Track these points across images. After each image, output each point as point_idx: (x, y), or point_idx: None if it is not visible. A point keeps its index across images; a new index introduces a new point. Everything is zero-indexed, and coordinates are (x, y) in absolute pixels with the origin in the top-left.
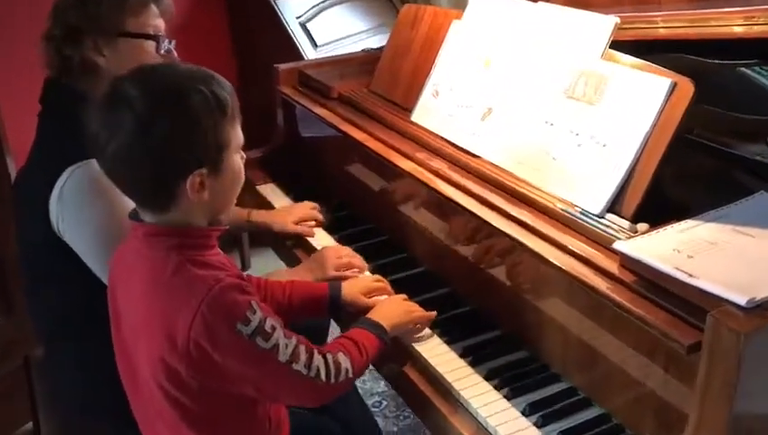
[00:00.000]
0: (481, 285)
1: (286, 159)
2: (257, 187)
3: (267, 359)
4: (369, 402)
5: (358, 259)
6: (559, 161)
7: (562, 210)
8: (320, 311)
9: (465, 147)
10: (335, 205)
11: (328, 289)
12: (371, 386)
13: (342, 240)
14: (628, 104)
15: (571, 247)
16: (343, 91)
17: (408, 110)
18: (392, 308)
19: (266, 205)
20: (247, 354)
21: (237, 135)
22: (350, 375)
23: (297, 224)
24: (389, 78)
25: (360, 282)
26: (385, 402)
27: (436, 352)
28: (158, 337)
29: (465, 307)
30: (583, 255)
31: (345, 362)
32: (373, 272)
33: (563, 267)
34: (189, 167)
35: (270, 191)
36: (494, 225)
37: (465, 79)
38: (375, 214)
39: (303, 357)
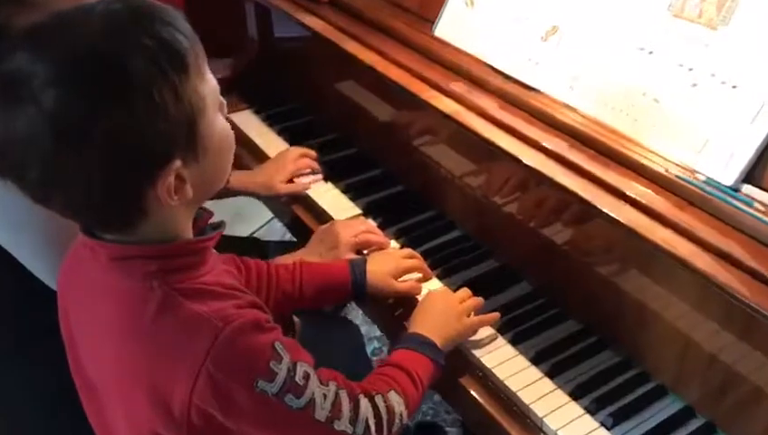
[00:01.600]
0: (558, 274)
1: (264, 77)
2: (231, 114)
3: (300, 421)
4: (369, 350)
5: (377, 235)
6: (664, 106)
7: (679, 178)
8: (339, 299)
9: (520, 78)
10: (334, 141)
11: (349, 272)
12: (368, 330)
13: (350, 192)
14: None
15: (700, 235)
16: None
17: (426, 20)
18: (443, 313)
19: (244, 140)
20: (273, 418)
21: (210, 87)
22: (405, 420)
23: (289, 182)
24: None
25: (389, 259)
26: (385, 349)
27: (499, 358)
28: (141, 402)
29: (534, 299)
30: (720, 246)
31: (399, 404)
32: (397, 238)
33: (698, 266)
34: (154, 167)
35: (245, 121)
36: (584, 197)
37: None
38: (392, 157)
39: (347, 408)
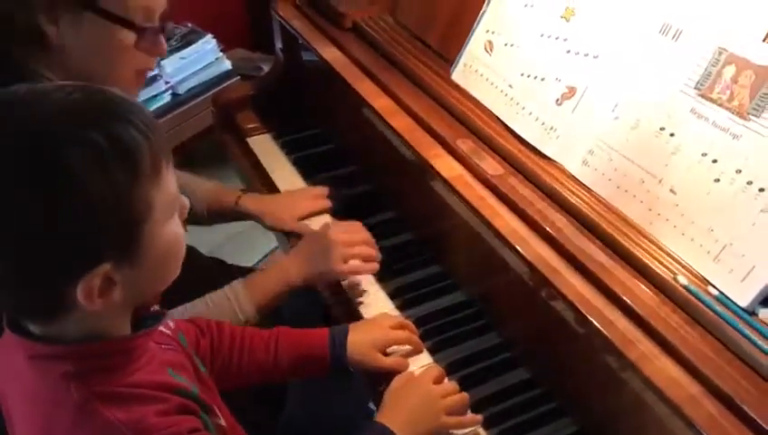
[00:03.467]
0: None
1: (287, 100)
2: (248, 139)
3: None
4: None
5: (369, 247)
6: (681, 198)
7: (686, 289)
8: (318, 372)
9: (531, 141)
10: (352, 175)
11: (328, 345)
12: None
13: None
14: None
15: (705, 372)
16: (359, 19)
17: (445, 60)
18: (420, 407)
19: (256, 166)
20: None
21: (166, 193)
22: None
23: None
24: (423, 7)
25: (374, 329)
26: None
27: None
28: None
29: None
30: (730, 394)
31: None
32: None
33: (694, 418)
34: (77, 266)
35: (262, 146)
36: (579, 307)
37: (532, 33)
38: (403, 207)
39: None
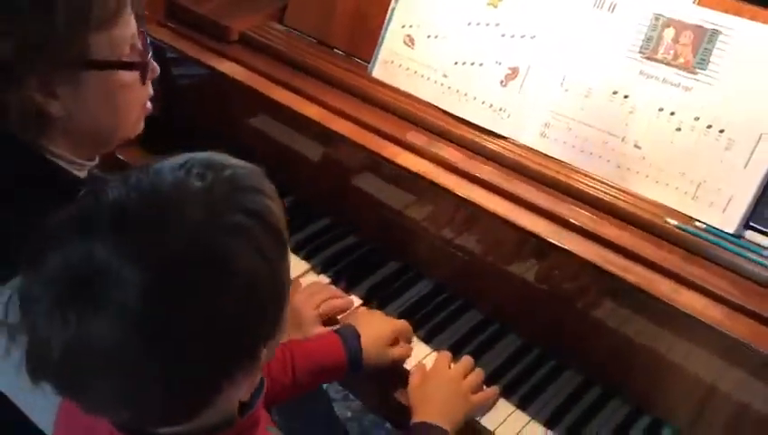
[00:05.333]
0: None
1: (177, 126)
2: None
3: None
4: None
5: (339, 298)
6: (647, 151)
7: (679, 228)
8: (335, 379)
9: (485, 125)
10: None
11: (343, 349)
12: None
13: (301, 251)
14: (756, 73)
15: (721, 294)
16: (246, 29)
17: (360, 60)
18: (449, 399)
19: None
20: None
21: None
22: None
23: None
24: (318, 8)
25: (380, 323)
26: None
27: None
28: None
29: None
30: (741, 303)
31: None
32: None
33: (726, 331)
34: (241, 362)
35: None
36: (591, 260)
37: (458, 23)
38: (347, 209)
39: None
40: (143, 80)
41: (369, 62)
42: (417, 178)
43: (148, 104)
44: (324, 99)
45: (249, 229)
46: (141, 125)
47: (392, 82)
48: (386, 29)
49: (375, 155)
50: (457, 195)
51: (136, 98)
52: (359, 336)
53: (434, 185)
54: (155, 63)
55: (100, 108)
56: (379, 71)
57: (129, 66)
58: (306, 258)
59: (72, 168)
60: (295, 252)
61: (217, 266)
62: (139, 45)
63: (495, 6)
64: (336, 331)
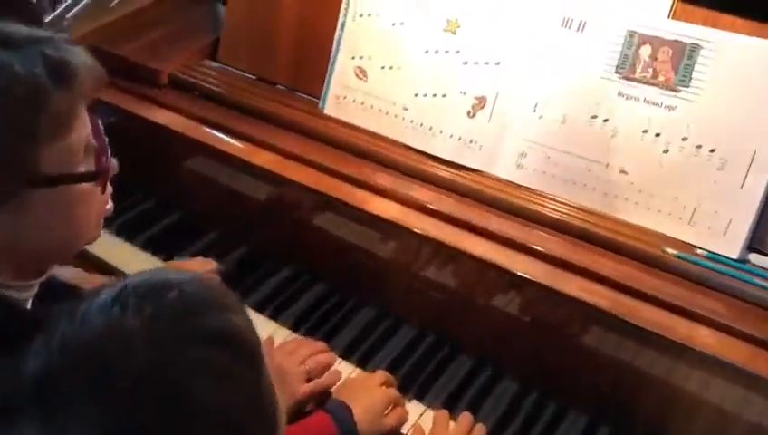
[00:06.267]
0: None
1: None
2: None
3: None
4: None
5: (323, 352)
6: (634, 177)
7: (680, 258)
8: None
9: (455, 160)
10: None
11: (336, 430)
12: None
13: (264, 307)
14: (742, 86)
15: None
16: (176, 71)
17: (304, 94)
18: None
19: (102, 269)
20: None
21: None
22: None
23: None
24: (254, 41)
25: (373, 395)
26: None
27: None
28: None
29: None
30: (762, 338)
31: None
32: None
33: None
34: None
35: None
36: (594, 304)
37: (414, 52)
38: (311, 257)
39: None
40: (103, 188)
41: (318, 98)
42: (389, 224)
43: (109, 204)
44: (276, 143)
45: (211, 360)
46: (101, 230)
47: (347, 118)
48: (333, 61)
49: (341, 203)
50: (436, 239)
51: (94, 205)
52: (350, 410)
53: (409, 230)
54: (113, 160)
55: (52, 224)
56: (331, 107)
57: (86, 178)
58: (273, 316)
59: (10, 291)
60: (259, 311)
61: (180, 416)
62: (94, 142)
63: (454, 33)
64: (325, 408)
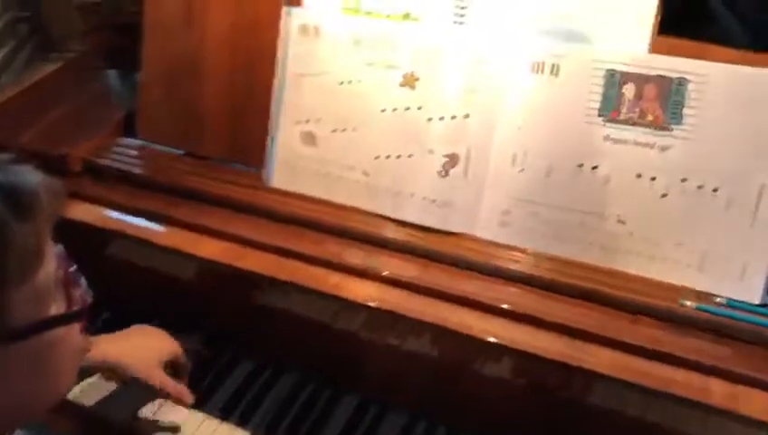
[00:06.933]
0: None
1: None
2: None
3: None
4: None
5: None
6: (634, 226)
7: (700, 310)
8: None
9: (430, 224)
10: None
11: None
12: None
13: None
14: (737, 118)
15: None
16: (89, 155)
17: (242, 165)
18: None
19: None
20: None
21: None
22: None
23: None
24: (175, 113)
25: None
26: None
27: None
28: None
29: None
30: None
31: None
32: None
33: None
34: None
35: None
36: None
37: (369, 111)
38: (276, 346)
39: None
40: (82, 327)
41: (260, 169)
42: (370, 309)
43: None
44: (221, 228)
45: None
46: (75, 376)
47: (299, 189)
48: (275, 128)
49: (311, 291)
50: (427, 322)
51: (72, 348)
52: None
53: (394, 314)
54: (88, 292)
55: (21, 381)
56: (278, 179)
57: (62, 321)
58: (242, 422)
59: None
60: (224, 418)
61: None
62: (61, 271)
63: (413, 87)
64: None
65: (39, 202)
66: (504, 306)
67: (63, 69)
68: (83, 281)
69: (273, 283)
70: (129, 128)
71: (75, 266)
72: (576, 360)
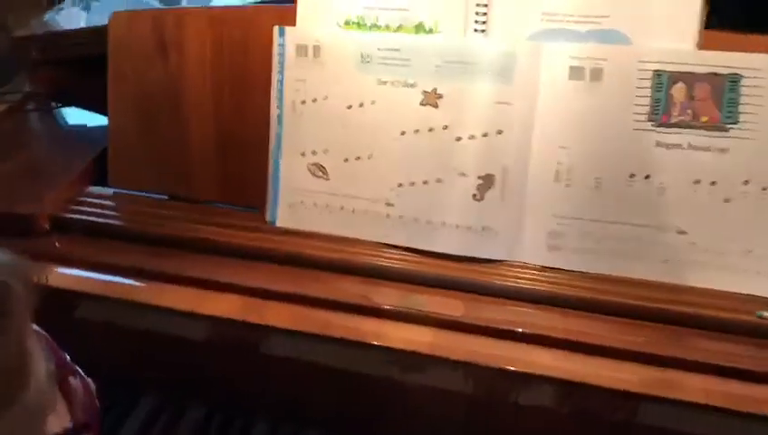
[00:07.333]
0: None
1: None
2: None
3: None
4: None
5: None
6: (696, 236)
7: None
8: None
9: (460, 253)
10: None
11: None
12: None
13: None
14: None
15: None
16: (57, 211)
17: (236, 206)
18: None
19: None
20: None
21: None
22: None
23: None
24: (154, 156)
25: None
26: None
27: None
28: None
29: None
30: None
31: None
32: None
33: None
34: None
35: None
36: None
37: (386, 135)
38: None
39: None
40: None
41: (258, 209)
42: (419, 355)
43: None
44: (229, 280)
45: None
46: None
47: (309, 227)
48: (276, 161)
49: (347, 342)
50: (489, 367)
51: None
52: None
53: (447, 360)
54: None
55: None
56: (285, 217)
57: None
58: None
59: None
60: None
61: None
62: (53, 366)
63: (435, 106)
64: None
65: (13, 302)
66: (572, 338)
67: (8, 113)
68: (80, 372)
69: (302, 336)
70: (95, 174)
71: (68, 357)
72: (666, 390)
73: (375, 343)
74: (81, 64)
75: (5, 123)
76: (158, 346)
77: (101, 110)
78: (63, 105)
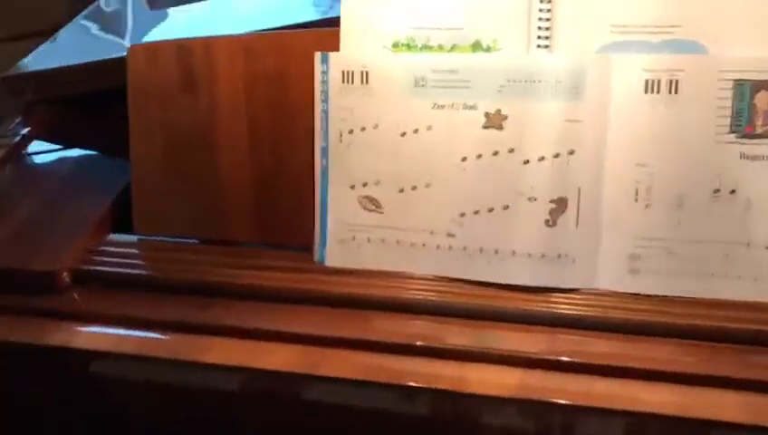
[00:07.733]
0: None
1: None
2: None
3: None
4: None
5: None
6: None
7: None
8: None
9: (534, 284)
10: None
11: None
12: None
13: None
14: None
15: None
16: (77, 263)
17: (273, 247)
18: None
19: None
20: None
21: None
22: None
23: None
24: (184, 198)
25: None
26: None
27: None
28: None
29: None
30: None
31: None
32: None
33: None
34: None
35: None
36: None
37: (445, 162)
38: None
39: None
40: None
41: (302, 249)
42: (511, 400)
43: None
44: (281, 328)
45: None
46: None
47: (362, 265)
48: (323, 197)
49: (427, 391)
50: (594, 407)
51: None
52: None
53: (549, 403)
54: None
55: None
56: (335, 256)
57: None
58: None
59: None
60: None
61: None
62: None
63: (500, 128)
64: None
65: None
66: (676, 370)
67: (6, 158)
68: None
69: (376, 387)
70: (118, 224)
71: None
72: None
73: (467, 391)
74: (80, 102)
75: (4, 169)
76: (192, 402)
77: (107, 150)
78: (65, 147)
